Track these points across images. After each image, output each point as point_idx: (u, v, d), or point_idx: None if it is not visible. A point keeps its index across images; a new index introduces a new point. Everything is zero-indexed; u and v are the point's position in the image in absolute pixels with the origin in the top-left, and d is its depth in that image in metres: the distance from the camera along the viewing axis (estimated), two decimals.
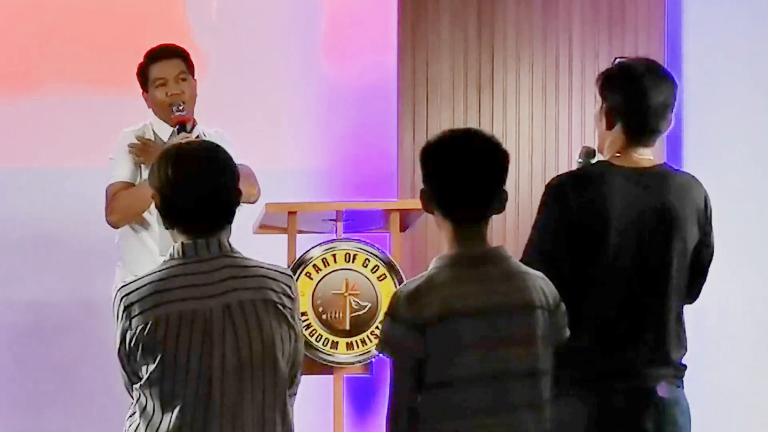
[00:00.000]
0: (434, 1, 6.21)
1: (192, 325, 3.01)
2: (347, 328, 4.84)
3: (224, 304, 3.04)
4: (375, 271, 4.85)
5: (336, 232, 4.93)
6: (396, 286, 4.69)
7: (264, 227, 4.99)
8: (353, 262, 4.85)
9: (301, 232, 4.93)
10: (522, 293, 3.03)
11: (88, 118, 5.91)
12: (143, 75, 4.82)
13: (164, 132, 4.80)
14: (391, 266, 4.86)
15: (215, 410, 3.00)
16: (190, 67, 4.83)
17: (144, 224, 4.76)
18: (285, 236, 4.88)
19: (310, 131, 6.15)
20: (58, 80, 5.98)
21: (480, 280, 3.01)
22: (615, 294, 3.48)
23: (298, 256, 4.83)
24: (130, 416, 3.11)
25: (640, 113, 3.52)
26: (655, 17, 6.26)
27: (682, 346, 3.57)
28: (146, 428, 3.04)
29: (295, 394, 3.20)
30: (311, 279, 4.82)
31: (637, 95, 3.51)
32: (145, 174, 4.70)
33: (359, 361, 4.87)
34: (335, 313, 4.84)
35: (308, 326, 4.77)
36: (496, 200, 3.05)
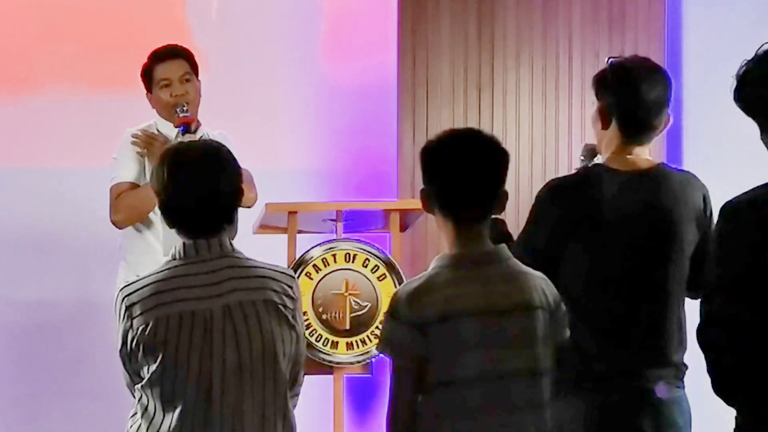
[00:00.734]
0: (434, 1, 6.21)
1: (193, 326, 3.01)
2: (347, 328, 4.84)
3: (225, 304, 3.04)
4: (375, 271, 4.85)
5: (336, 232, 4.93)
6: (396, 286, 4.69)
7: (264, 227, 4.99)
8: (353, 262, 4.85)
9: (301, 232, 4.93)
10: (522, 293, 3.03)
11: (88, 118, 5.91)
12: (148, 75, 4.81)
13: (168, 132, 4.80)
14: (391, 266, 4.86)
15: (216, 410, 3.01)
16: (194, 68, 4.83)
17: (148, 224, 4.76)
18: (285, 236, 4.88)
19: (310, 131, 6.15)
20: (58, 80, 5.98)
21: (480, 280, 3.01)
22: (613, 295, 3.48)
23: (298, 256, 4.83)
24: (132, 416, 3.11)
25: (635, 110, 3.52)
26: (655, 17, 6.27)
27: (683, 346, 3.57)
28: (148, 428, 3.04)
29: (298, 395, 3.20)
30: (311, 279, 4.82)
31: (630, 93, 3.51)
32: (149, 174, 4.70)
33: (359, 361, 4.87)
34: (335, 313, 4.84)
35: (308, 326, 4.77)
36: (497, 200, 3.05)
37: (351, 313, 4.85)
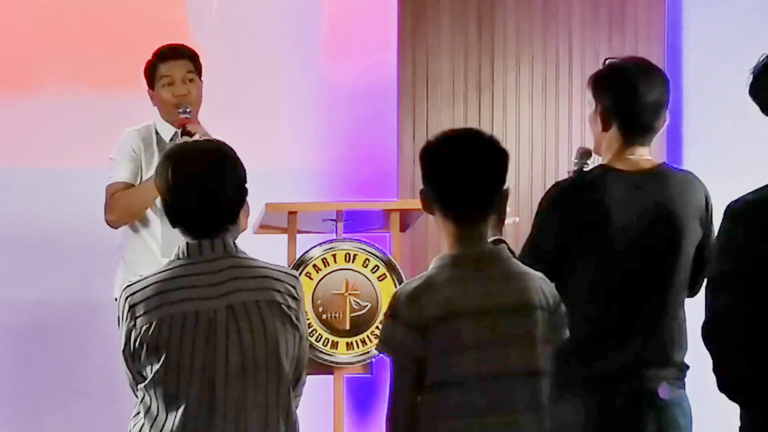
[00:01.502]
0: (434, 1, 6.21)
1: (196, 326, 3.01)
2: (347, 328, 4.84)
3: (228, 304, 3.04)
4: (375, 271, 4.85)
5: (336, 232, 4.93)
6: (396, 286, 4.69)
7: (264, 227, 4.99)
8: (353, 262, 4.86)
9: (301, 232, 4.93)
10: (522, 294, 3.03)
11: (88, 118, 5.91)
12: (151, 72, 4.81)
13: (167, 132, 4.80)
14: (391, 266, 4.86)
15: (219, 411, 3.00)
16: (198, 69, 4.83)
17: (145, 224, 4.76)
18: (285, 236, 4.88)
19: (310, 131, 6.15)
20: (58, 80, 5.98)
21: (480, 281, 3.01)
22: (615, 296, 3.48)
23: (298, 256, 4.83)
24: (135, 416, 3.11)
25: (635, 112, 3.52)
26: (655, 17, 6.26)
27: (683, 346, 3.57)
28: (150, 428, 3.04)
29: (300, 395, 3.20)
30: (311, 279, 4.82)
31: (629, 94, 3.51)
32: (146, 175, 4.71)
33: (359, 361, 4.87)
34: (335, 313, 4.85)
35: (308, 326, 4.77)
36: (497, 200, 3.05)
37: (351, 313, 4.85)
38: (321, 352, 4.81)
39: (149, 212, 4.73)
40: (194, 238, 3.08)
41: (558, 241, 3.49)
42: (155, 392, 3.03)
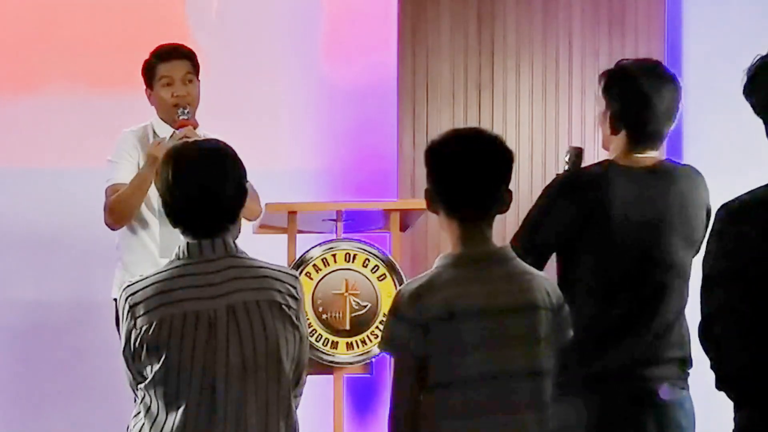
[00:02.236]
0: (434, 1, 6.21)
1: (196, 326, 3.01)
2: (347, 328, 4.84)
3: (228, 304, 3.04)
4: (375, 271, 4.85)
5: (336, 232, 4.93)
6: (396, 286, 4.69)
7: (264, 227, 4.98)
8: (353, 262, 4.85)
9: (301, 232, 4.93)
10: (525, 294, 3.02)
11: (88, 118, 5.90)
12: (149, 72, 4.80)
13: (164, 132, 4.79)
14: (391, 266, 4.86)
15: (219, 411, 3.00)
16: (196, 70, 4.83)
17: (143, 224, 4.76)
18: (285, 236, 4.88)
19: (310, 131, 6.15)
20: (58, 80, 5.98)
21: (484, 280, 3.01)
22: (619, 294, 3.48)
23: (298, 256, 4.83)
24: (135, 416, 3.11)
25: (646, 122, 3.53)
26: (655, 17, 6.26)
27: (686, 345, 3.56)
28: (150, 428, 3.04)
29: (301, 395, 3.20)
30: (311, 279, 4.82)
31: (641, 105, 3.51)
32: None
33: (359, 361, 4.87)
34: (335, 313, 4.85)
35: (308, 326, 4.77)
36: (501, 200, 3.05)
37: (351, 313, 4.85)
38: (321, 352, 4.81)
39: (147, 213, 4.73)
40: (194, 238, 3.08)
41: (563, 230, 3.49)
42: (155, 392, 3.03)
